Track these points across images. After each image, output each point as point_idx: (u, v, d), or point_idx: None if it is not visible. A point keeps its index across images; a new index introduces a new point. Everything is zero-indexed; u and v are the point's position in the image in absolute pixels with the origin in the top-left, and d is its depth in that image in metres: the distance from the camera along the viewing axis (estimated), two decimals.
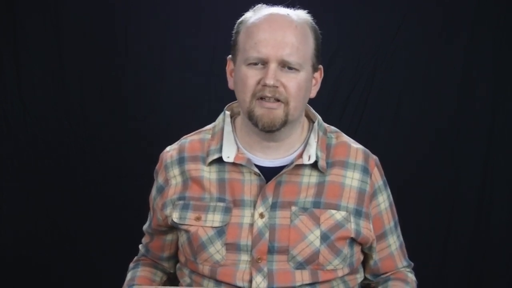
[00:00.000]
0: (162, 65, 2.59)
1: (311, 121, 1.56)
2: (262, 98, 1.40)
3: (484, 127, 2.58)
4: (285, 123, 1.42)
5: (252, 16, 1.46)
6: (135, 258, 1.71)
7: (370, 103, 2.58)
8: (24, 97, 2.59)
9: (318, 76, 1.51)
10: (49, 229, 2.63)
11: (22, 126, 2.60)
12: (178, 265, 1.61)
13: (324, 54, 2.51)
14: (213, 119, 1.59)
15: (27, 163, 2.61)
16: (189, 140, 1.56)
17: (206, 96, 2.56)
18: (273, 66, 1.39)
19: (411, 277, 1.61)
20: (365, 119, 2.58)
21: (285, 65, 1.40)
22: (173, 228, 1.54)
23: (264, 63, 1.40)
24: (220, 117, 1.56)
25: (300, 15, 1.47)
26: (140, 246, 1.70)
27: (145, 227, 1.67)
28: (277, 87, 1.39)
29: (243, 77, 1.42)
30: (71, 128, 2.60)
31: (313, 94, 1.51)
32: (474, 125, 2.58)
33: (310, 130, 1.53)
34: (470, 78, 2.56)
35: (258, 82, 1.40)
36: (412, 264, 1.65)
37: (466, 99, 2.57)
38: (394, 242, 1.58)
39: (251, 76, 1.40)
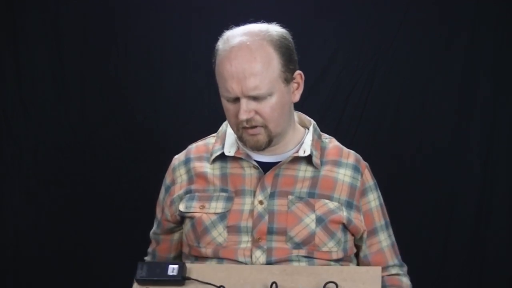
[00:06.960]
0: (162, 65, 2.59)
1: (306, 127, 1.66)
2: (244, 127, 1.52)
3: (484, 127, 2.58)
4: (270, 142, 1.54)
5: (221, 47, 1.52)
6: None
7: (370, 103, 2.58)
8: (24, 97, 2.59)
9: (299, 79, 1.57)
10: (49, 229, 2.63)
11: (22, 126, 2.60)
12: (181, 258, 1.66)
13: (324, 54, 2.56)
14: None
15: (27, 163, 2.61)
16: (195, 145, 1.69)
17: (206, 96, 2.56)
18: (243, 101, 1.49)
19: (406, 281, 1.65)
20: (365, 119, 2.57)
21: (254, 97, 1.49)
22: (181, 224, 1.62)
23: (236, 99, 1.50)
24: (224, 123, 1.66)
25: (259, 35, 1.50)
26: (146, 257, 1.74)
27: (151, 232, 1.73)
28: (252, 117, 1.50)
29: (225, 110, 1.55)
30: (71, 128, 2.61)
31: (296, 98, 1.58)
32: (474, 125, 2.58)
33: (305, 134, 1.63)
34: (470, 78, 2.56)
35: (237, 115, 1.51)
36: (405, 265, 1.68)
37: (466, 99, 2.57)
38: (385, 239, 1.65)
39: (231, 110, 1.53)
